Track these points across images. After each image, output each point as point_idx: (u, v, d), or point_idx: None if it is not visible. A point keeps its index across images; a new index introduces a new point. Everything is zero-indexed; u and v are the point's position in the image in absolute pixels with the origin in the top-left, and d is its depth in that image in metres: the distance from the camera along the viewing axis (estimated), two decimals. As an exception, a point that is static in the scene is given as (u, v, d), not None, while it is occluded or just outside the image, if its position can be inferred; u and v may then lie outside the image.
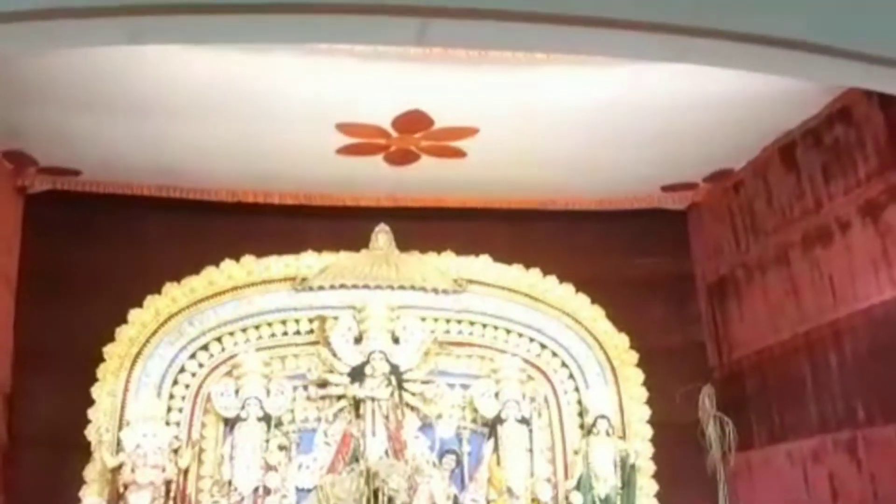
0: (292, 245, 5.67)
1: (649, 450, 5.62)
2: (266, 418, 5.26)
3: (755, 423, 5.61)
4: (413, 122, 4.88)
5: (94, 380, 5.25)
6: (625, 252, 6.06)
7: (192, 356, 5.45)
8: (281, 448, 5.28)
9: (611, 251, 6.05)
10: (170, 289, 5.47)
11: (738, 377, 5.81)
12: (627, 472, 5.42)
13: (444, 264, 5.78)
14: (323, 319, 5.54)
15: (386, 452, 5.25)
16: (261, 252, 5.62)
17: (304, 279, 5.59)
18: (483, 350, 5.71)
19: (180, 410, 5.34)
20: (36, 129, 4.95)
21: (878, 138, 4.46)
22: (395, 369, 5.40)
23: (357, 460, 5.22)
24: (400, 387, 5.41)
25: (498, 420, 5.47)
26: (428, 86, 4.51)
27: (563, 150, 5.27)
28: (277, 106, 4.66)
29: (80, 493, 5.05)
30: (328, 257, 5.69)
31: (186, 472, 5.18)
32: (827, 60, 3.27)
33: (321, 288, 5.59)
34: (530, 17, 3.05)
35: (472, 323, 5.73)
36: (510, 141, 5.13)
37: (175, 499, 5.07)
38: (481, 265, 5.79)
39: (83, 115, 4.71)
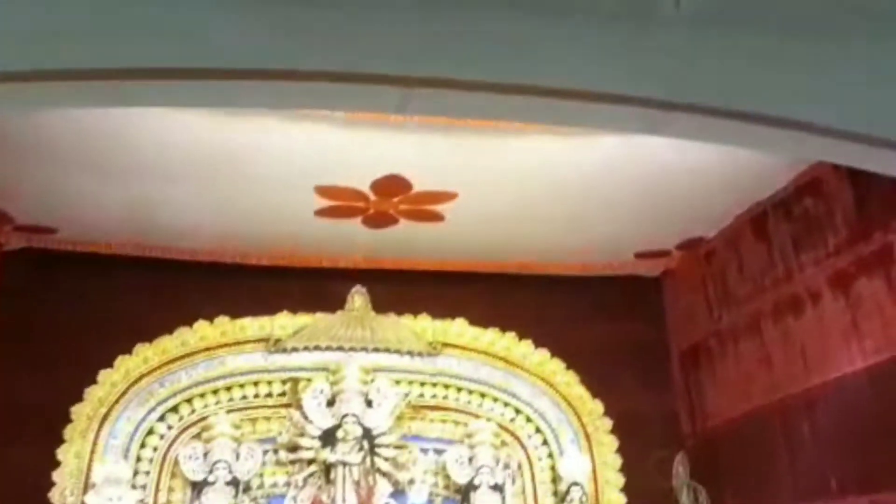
0: (267, 306, 5.64)
1: (623, 518, 5.57)
2: (234, 482, 5.16)
3: (728, 491, 5.59)
4: (392, 185, 4.93)
5: (61, 441, 5.14)
6: (600, 318, 6.10)
7: (161, 418, 5.35)
8: (249, 513, 5.18)
9: (586, 317, 6.08)
10: (141, 349, 5.41)
11: (712, 445, 5.81)
12: (601, 541, 5.36)
13: (420, 327, 5.77)
14: (296, 381, 5.48)
15: (356, 519, 5.16)
16: (235, 313, 5.58)
17: (277, 340, 5.56)
18: (457, 414, 5.67)
19: (147, 473, 5.22)
20: (14, 187, 4.94)
21: (847, 211, 4.56)
22: (367, 433, 5.34)
23: (327, 527, 5.12)
24: (372, 451, 5.34)
25: (471, 487, 5.40)
26: (407, 150, 4.57)
27: (539, 217, 5.34)
28: (258, 168, 4.70)
29: (44, 557, 4.91)
30: (303, 319, 5.67)
31: (152, 536, 5.05)
32: (795, 135, 3.37)
33: (295, 349, 5.55)
34: (508, 88, 3.13)
35: (446, 386, 5.70)
36: (488, 206, 5.19)
37: (140, 563, 4.93)
38: (457, 328, 5.80)
39: (61, 174, 4.72)
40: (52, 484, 5.04)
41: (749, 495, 5.37)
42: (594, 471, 5.62)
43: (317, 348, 5.55)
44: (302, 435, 5.33)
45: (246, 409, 5.46)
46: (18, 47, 2.33)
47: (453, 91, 3.10)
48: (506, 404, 5.72)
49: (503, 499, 5.44)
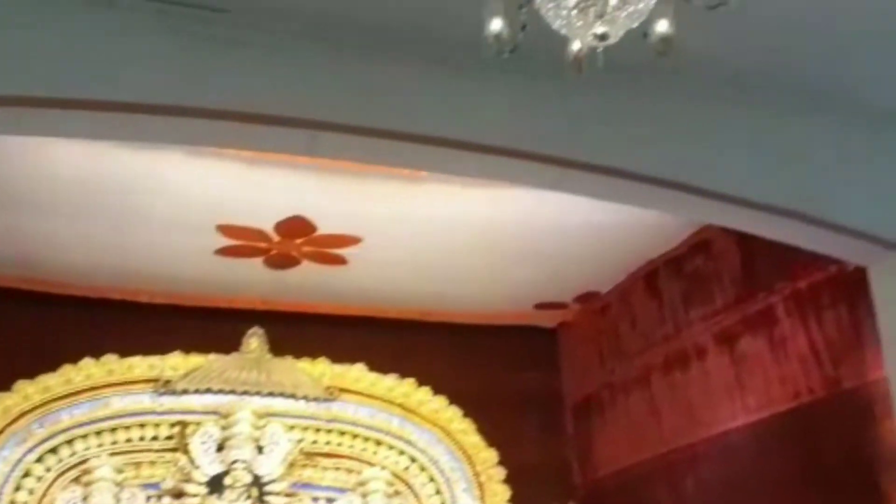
0: (159, 345, 5.47)
1: (514, 567, 5.58)
2: (114, 529, 4.94)
3: (617, 541, 5.68)
4: (296, 227, 4.89)
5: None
6: (498, 367, 6.16)
7: (40, 459, 5.10)
8: (128, 562, 4.96)
9: (485, 365, 6.13)
10: (21, 386, 5.15)
11: (602, 496, 5.90)
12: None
13: (318, 371, 5.70)
14: (184, 425, 5.32)
15: (242, 569, 5.01)
16: (124, 351, 5.40)
17: (167, 381, 5.39)
18: (351, 462, 5.60)
19: (22, 518, 4.95)
20: None
21: (734, 271, 4.79)
22: (257, 480, 5.21)
23: (211, 577, 4.95)
24: (261, 499, 5.21)
25: (362, 535, 5.33)
26: (313, 193, 4.56)
27: (442, 264, 5.39)
28: (157, 204, 4.59)
29: None
30: (196, 359, 5.52)
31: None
32: (686, 197, 3.55)
33: (185, 391, 5.39)
34: (415, 137, 3.19)
35: (342, 433, 5.63)
36: (392, 251, 5.21)
37: None
38: (356, 373, 5.75)
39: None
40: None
41: (636, 546, 5.47)
42: (486, 521, 5.63)
43: (208, 391, 5.41)
44: (188, 481, 5.16)
45: (130, 452, 5.25)
46: None
47: (360, 137, 3.15)
48: (401, 452, 5.69)
49: (394, 548, 5.39)
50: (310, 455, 5.50)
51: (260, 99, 2.92)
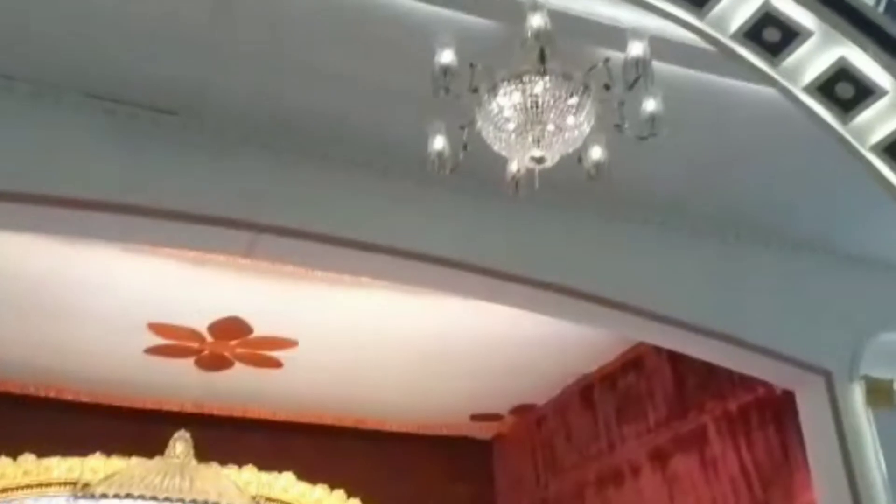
0: (80, 446, 5.25)
1: None
2: None
3: None
4: (231, 328, 4.82)
5: None
6: (432, 477, 6.04)
7: (-63, 567, 4.77)
8: None
9: (420, 475, 6.01)
10: (-74, 486, 4.86)
11: None
12: None
13: (244, 479, 5.51)
14: (101, 531, 5.06)
15: None
16: (43, 451, 5.17)
17: (86, 485, 5.16)
18: (271, 576, 5.37)
19: None
20: None
21: (666, 389, 4.84)
22: (175, 593, 4.94)
23: None
24: None
25: None
26: (250, 295, 4.52)
27: (379, 372, 5.34)
28: (88, 300, 4.49)
29: None
30: (117, 463, 5.30)
31: None
32: (618, 315, 3.63)
33: (104, 496, 5.15)
34: (356, 244, 3.23)
35: (266, 544, 5.42)
36: (328, 357, 5.15)
37: None
38: (284, 483, 5.58)
39: None
40: None
41: None
42: None
43: (128, 496, 5.18)
44: (99, 591, 4.88)
45: (40, 559, 4.97)
46: None
47: (301, 240, 3.18)
48: (325, 566, 5.48)
49: None
50: (234, 567, 5.26)
51: (203, 200, 2.94)
